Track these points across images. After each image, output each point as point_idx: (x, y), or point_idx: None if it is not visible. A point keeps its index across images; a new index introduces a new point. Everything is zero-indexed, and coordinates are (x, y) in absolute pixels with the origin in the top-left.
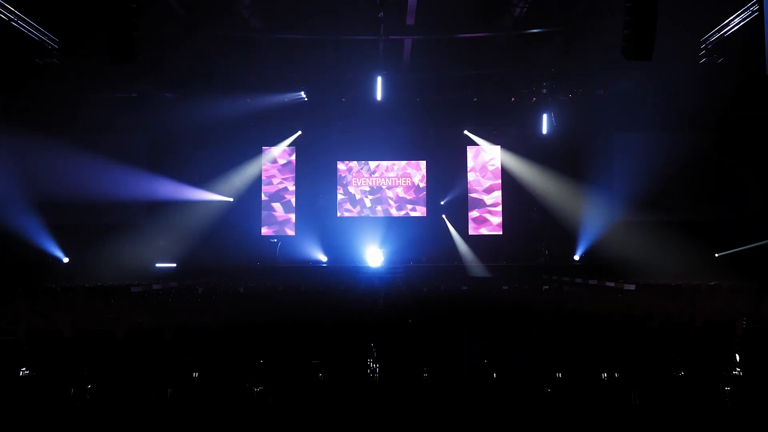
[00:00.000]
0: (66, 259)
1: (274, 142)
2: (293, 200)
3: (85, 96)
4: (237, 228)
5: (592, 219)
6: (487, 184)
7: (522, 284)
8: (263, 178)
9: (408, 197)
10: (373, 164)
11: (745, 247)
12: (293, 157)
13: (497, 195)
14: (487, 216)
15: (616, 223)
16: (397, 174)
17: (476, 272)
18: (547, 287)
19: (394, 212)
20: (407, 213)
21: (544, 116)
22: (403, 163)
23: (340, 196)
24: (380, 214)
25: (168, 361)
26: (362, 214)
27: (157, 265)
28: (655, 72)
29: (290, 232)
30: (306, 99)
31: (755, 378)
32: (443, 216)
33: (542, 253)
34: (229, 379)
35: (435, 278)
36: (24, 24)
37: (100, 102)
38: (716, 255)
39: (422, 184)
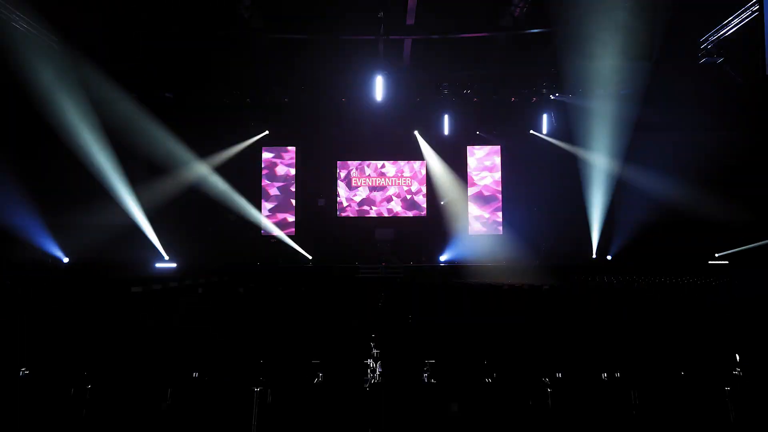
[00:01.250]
0: (66, 259)
1: (274, 142)
2: (293, 200)
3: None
4: (237, 228)
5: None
6: (487, 184)
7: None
8: (263, 177)
9: (408, 197)
10: (373, 164)
11: (744, 248)
12: (293, 157)
13: (497, 195)
14: (487, 216)
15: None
16: (397, 174)
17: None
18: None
19: (395, 212)
20: (407, 213)
21: (545, 116)
22: (403, 163)
23: (340, 197)
24: (380, 214)
25: (168, 361)
26: (362, 214)
27: (158, 265)
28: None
29: (290, 232)
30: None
31: (755, 378)
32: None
33: (541, 253)
34: (228, 379)
35: (435, 278)
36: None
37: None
38: (716, 255)
39: (422, 185)
